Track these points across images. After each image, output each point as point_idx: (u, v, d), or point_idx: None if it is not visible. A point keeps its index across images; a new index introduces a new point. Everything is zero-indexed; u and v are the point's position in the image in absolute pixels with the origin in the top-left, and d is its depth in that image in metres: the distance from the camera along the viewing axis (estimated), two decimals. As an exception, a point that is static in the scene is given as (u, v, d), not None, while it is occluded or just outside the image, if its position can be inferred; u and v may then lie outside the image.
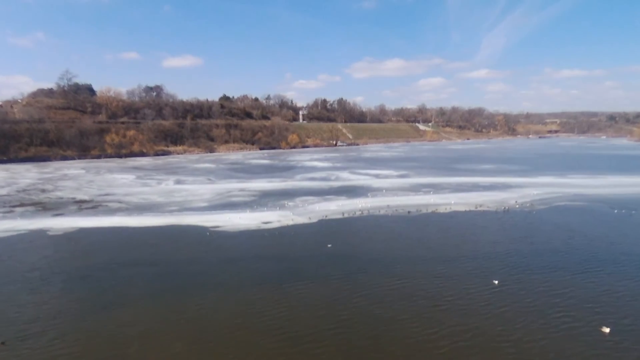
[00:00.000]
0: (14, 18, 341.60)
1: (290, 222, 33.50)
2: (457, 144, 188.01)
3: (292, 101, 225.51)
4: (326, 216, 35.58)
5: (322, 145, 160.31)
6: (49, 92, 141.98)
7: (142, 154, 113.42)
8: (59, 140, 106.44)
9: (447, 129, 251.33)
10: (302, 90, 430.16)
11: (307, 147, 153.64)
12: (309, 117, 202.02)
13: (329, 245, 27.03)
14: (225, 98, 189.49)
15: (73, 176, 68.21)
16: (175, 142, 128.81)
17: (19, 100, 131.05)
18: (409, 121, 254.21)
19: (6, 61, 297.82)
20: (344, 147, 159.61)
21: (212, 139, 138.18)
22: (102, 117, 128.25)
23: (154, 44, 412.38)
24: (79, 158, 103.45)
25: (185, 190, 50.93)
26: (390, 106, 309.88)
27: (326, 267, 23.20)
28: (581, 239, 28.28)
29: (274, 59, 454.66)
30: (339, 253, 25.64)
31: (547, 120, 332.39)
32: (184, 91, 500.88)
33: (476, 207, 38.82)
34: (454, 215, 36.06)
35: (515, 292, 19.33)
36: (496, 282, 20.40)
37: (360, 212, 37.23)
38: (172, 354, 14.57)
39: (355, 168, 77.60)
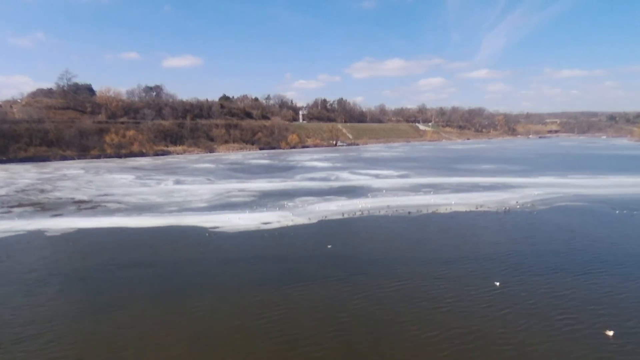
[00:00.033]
0: (14, 18, 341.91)
1: (290, 223, 33.29)
2: (457, 144, 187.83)
3: (292, 101, 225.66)
4: (326, 217, 35.38)
5: (322, 145, 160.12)
6: (49, 92, 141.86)
7: (141, 154, 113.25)
8: (58, 140, 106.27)
9: (447, 129, 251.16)
10: (302, 90, 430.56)
11: (307, 147, 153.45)
12: (309, 117, 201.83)
13: (329, 246, 26.82)
14: (225, 98, 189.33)
15: (72, 176, 68.01)
16: (174, 142, 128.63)
17: (19, 100, 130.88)
18: (409, 121, 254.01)
19: (6, 61, 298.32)
20: (344, 147, 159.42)
21: (211, 139, 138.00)
22: (101, 117, 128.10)
23: (154, 44, 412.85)
24: (79, 158, 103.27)
25: (185, 191, 50.73)
26: (390, 106, 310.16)
27: (326, 268, 23.00)
28: (583, 240, 28.07)
29: (274, 59, 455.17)
30: (339, 254, 25.43)
31: (547, 120, 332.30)
32: (184, 91, 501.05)
33: (477, 208, 38.62)
34: (454, 216, 35.86)
35: (517, 294, 19.12)
36: (498, 283, 20.19)
37: (360, 213, 37.03)
38: (170, 357, 14.37)
39: (355, 168, 77.41)
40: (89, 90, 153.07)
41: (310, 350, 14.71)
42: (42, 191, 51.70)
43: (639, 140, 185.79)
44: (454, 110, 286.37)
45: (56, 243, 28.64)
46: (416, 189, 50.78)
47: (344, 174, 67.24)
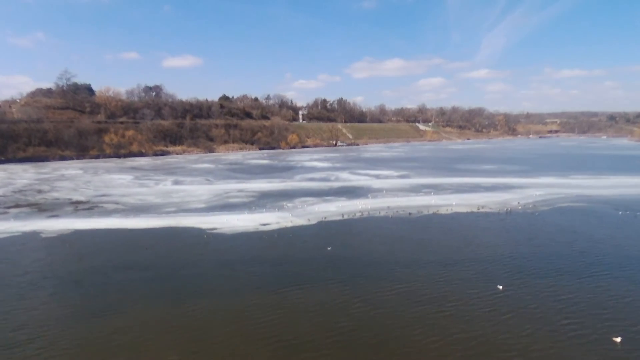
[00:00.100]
0: (14, 18, 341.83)
1: (289, 224, 32.88)
2: (457, 144, 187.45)
3: (292, 101, 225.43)
4: (325, 218, 34.97)
5: (322, 145, 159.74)
6: (48, 92, 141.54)
7: (140, 154, 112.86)
8: (57, 140, 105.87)
9: (447, 129, 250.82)
10: (302, 90, 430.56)
11: (307, 147, 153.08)
12: (309, 117, 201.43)
13: (329, 248, 26.42)
14: (224, 98, 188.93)
15: (70, 176, 67.60)
16: (174, 142, 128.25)
17: (18, 100, 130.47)
18: (409, 121, 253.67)
19: (6, 61, 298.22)
20: (344, 147, 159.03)
21: (211, 139, 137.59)
22: (100, 117, 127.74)
23: (154, 44, 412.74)
24: (78, 158, 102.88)
25: (183, 191, 50.32)
26: (390, 106, 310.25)
27: (325, 270, 22.60)
28: (586, 242, 27.67)
29: (274, 59, 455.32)
30: (339, 256, 25.02)
31: (548, 120, 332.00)
32: (184, 91, 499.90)
33: (478, 209, 38.21)
34: (455, 217, 35.45)
35: (520, 298, 18.71)
36: (500, 287, 19.77)
37: (360, 214, 36.62)
38: (164, 364, 13.97)
39: (355, 168, 77.01)
40: (89, 90, 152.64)
41: (309, 356, 14.31)
42: (39, 192, 51.29)
43: (639, 141, 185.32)
44: (454, 110, 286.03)
45: (52, 245, 28.23)
46: (416, 189, 50.38)
47: (344, 174, 66.84)
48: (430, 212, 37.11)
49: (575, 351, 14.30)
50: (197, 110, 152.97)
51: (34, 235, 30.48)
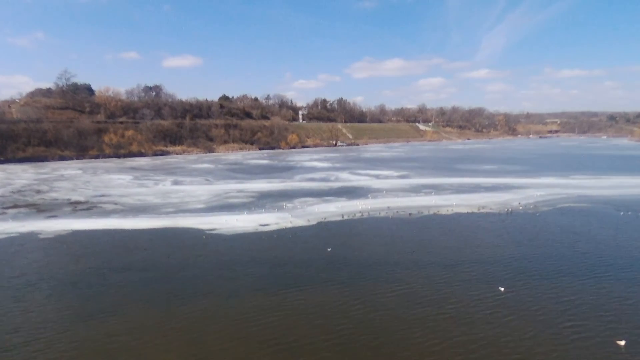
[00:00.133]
0: (14, 18, 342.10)
1: (289, 225, 32.69)
2: (457, 144, 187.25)
3: (291, 101, 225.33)
4: (325, 218, 34.78)
5: (321, 145, 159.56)
6: (47, 92, 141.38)
7: (140, 154, 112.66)
8: (56, 140, 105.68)
9: (448, 129, 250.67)
10: (302, 90, 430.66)
11: (307, 147, 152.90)
12: (309, 117, 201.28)
13: (329, 249, 26.22)
14: (224, 98, 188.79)
15: (69, 177, 67.41)
16: (174, 142, 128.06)
17: (17, 100, 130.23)
18: (409, 121, 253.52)
19: (6, 61, 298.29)
20: (344, 147, 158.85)
21: (211, 139, 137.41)
22: (100, 117, 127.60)
23: (153, 44, 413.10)
24: (77, 158, 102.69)
25: (183, 191, 50.13)
26: (390, 106, 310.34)
27: (325, 272, 22.40)
28: (588, 243, 27.48)
29: (274, 59, 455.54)
30: (339, 257, 24.82)
31: (548, 120, 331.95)
32: (184, 91, 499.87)
33: (479, 209, 38.02)
34: (456, 217, 35.26)
35: (522, 299, 18.52)
36: (502, 289, 19.56)
37: (360, 214, 36.43)
38: (161, 367, 13.78)
39: (355, 168, 76.81)
40: (88, 90, 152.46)
41: (308, 359, 14.11)
42: (38, 192, 51.10)
43: (639, 141, 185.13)
44: (454, 110, 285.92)
45: (49, 245, 28.04)
46: (417, 189, 50.18)
47: (344, 175, 66.64)
48: (431, 212, 36.91)
49: (578, 354, 14.10)
50: (197, 110, 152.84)
51: (31, 236, 30.28)
